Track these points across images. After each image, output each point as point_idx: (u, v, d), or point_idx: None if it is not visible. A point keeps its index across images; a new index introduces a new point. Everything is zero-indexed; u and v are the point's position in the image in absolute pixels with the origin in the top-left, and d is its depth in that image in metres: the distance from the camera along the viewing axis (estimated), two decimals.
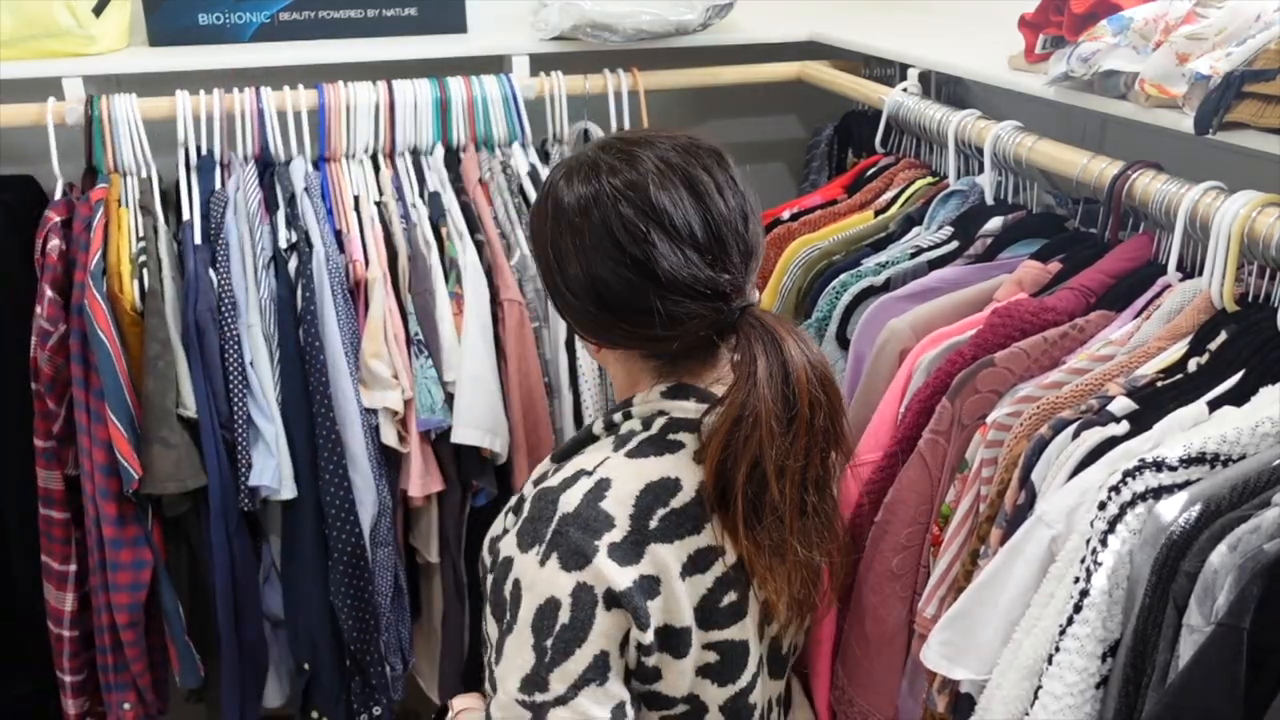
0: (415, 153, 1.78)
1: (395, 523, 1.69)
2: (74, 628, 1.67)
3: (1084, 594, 0.91)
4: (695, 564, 1.00)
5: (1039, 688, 0.93)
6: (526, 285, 1.73)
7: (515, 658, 0.97)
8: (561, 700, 0.96)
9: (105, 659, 1.66)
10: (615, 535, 0.97)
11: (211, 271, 1.60)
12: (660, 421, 1.05)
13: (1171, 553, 0.87)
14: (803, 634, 1.18)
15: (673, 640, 1.00)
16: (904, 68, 1.73)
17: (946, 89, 1.74)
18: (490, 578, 1.03)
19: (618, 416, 1.08)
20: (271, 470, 1.59)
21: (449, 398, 1.65)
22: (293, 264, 1.64)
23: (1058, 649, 0.92)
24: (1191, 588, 0.84)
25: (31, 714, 1.77)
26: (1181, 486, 0.91)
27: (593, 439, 1.09)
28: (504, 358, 1.69)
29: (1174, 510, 0.88)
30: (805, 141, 2.07)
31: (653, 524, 0.98)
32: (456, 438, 1.63)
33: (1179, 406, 1.00)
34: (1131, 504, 0.91)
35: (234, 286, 1.60)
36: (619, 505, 0.98)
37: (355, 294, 1.67)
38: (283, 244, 1.64)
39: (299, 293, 1.63)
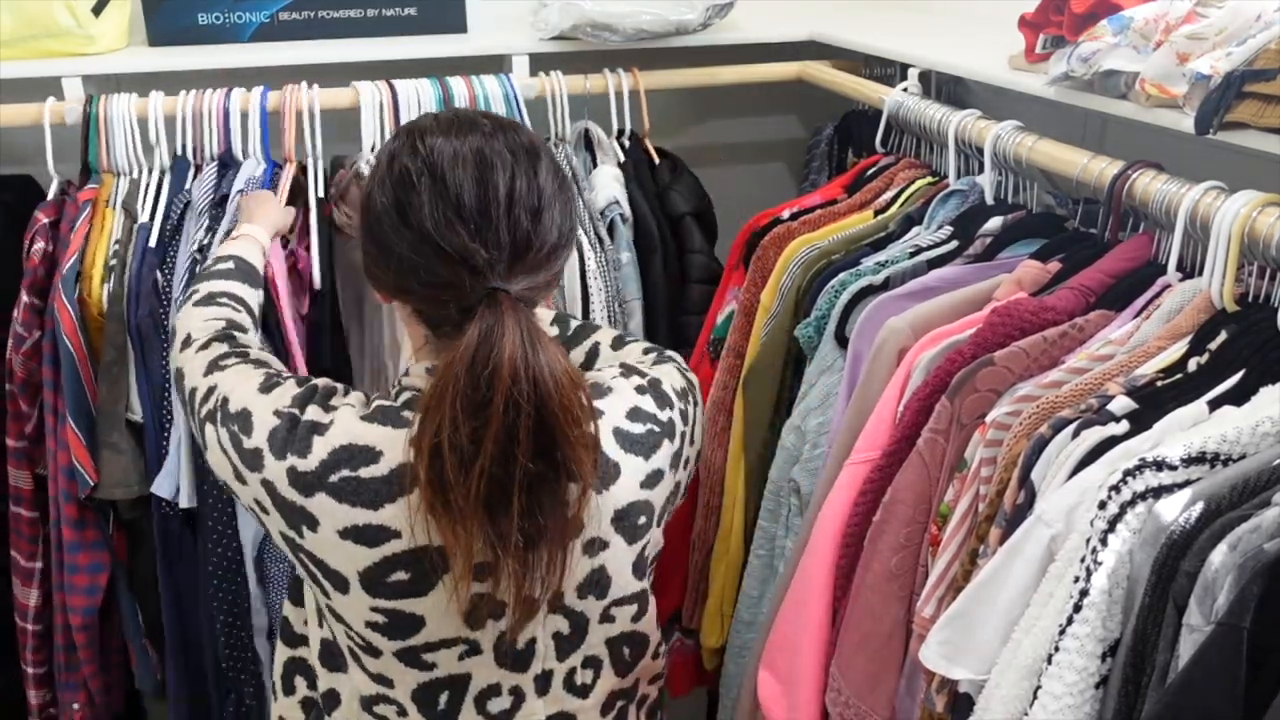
0: None
1: None
2: (37, 622, 1.69)
3: (1084, 593, 0.91)
4: (360, 535, 1.02)
5: (1038, 687, 0.93)
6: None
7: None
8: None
9: (59, 657, 1.66)
10: (302, 465, 1.01)
11: (159, 274, 1.57)
12: (406, 395, 1.06)
13: (1172, 552, 0.87)
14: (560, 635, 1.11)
15: (329, 576, 1.04)
16: (904, 68, 1.73)
17: (946, 89, 1.74)
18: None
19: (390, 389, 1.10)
20: (167, 478, 1.56)
21: None
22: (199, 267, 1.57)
23: (1057, 648, 0.92)
24: (1192, 587, 0.84)
25: (12, 707, 1.77)
26: (1182, 486, 0.91)
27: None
28: None
29: (1174, 510, 0.88)
30: (805, 141, 2.07)
31: (332, 478, 1.01)
32: None
33: (1179, 406, 0.99)
34: (1131, 503, 0.91)
35: (173, 289, 1.57)
36: (321, 446, 1.02)
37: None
38: (195, 246, 1.58)
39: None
